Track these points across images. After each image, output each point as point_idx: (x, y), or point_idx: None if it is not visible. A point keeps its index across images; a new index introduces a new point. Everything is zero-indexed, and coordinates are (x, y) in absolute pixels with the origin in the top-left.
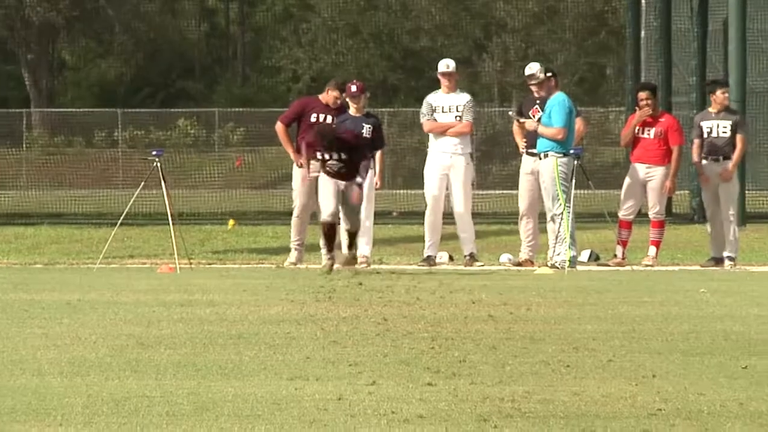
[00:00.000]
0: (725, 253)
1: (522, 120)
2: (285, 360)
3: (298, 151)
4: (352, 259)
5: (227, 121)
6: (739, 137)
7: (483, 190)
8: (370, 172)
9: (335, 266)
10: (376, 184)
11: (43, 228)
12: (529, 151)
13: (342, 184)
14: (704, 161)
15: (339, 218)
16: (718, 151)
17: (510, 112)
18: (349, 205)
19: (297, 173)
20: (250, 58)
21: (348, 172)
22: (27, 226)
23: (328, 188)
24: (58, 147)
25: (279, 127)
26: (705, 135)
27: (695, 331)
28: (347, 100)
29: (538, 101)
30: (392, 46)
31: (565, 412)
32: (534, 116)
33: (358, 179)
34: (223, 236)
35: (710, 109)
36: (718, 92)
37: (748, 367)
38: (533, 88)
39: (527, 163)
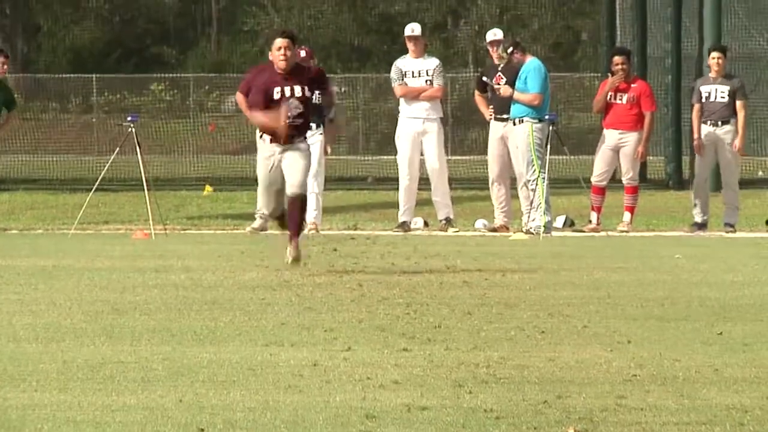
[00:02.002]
0: (726, 220)
1: (498, 86)
2: (260, 326)
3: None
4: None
5: (202, 87)
6: (739, 103)
7: (458, 155)
8: (320, 142)
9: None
10: (327, 151)
11: (18, 194)
12: (497, 116)
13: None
14: (703, 125)
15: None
16: (714, 115)
17: (496, 86)
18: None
19: (260, 145)
20: (224, 24)
21: (298, 129)
22: (2, 191)
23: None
24: (33, 112)
25: (239, 97)
26: (703, 99)
27: (670, 297)
28: None
29: (499, 68)
30: (366, 11)
31: (540, 377)
32: (498, 83)
33: (301, 144)
34: (198, 202)
35: (710, 74)
36: (710, 57)
37: (723, 333)
38: (494, 55)
39: (496, 129)
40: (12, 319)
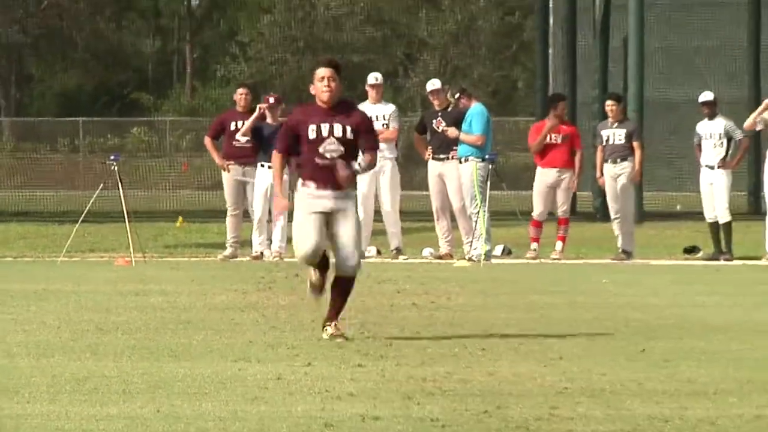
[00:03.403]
0: (623, 247)
1: (445, 128)
2: (229, 343)
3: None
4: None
5: (177, 129)
6: (635, 144)
7: (406, 190)
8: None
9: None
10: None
11: (12, 225)
12: (435, 156)
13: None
14: (605, 164)
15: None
16: (613, 155)
17: (440, 127)
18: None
19: (225, 177)
20: (198, 72)
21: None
22: None
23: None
24: (25, 152)
25: (206, 140)
26: (604, 142)
27: (598, 318)
28: (266, 111)
29: (439, 113)
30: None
31: (481, 390)
32: (438, 127)
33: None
34: (174, 232)
35: (609, 120)
36: (606, 104)
37: (646, 350)
38: (434, 102)
39: (434, 168)
40: (6, 337)
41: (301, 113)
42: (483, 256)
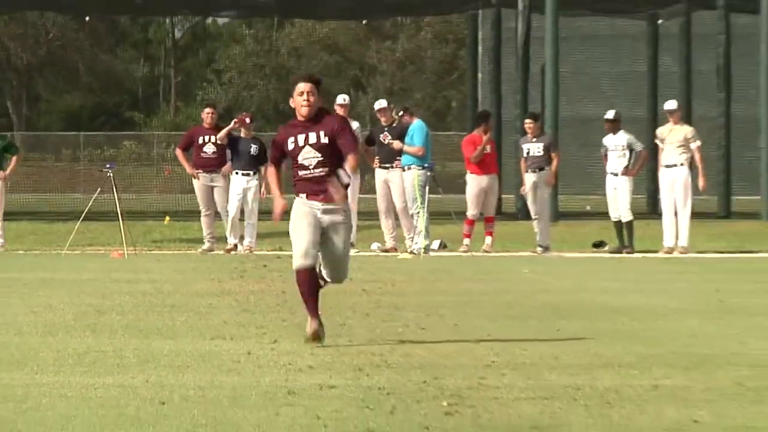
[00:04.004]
0: (541, 243)
1: (390, 141)
2: (207, 324)
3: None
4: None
5: (162, 142)
6: (553, 154)
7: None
8: (255, 186)
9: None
10: (262, 193)
11: (23, 223)
12: (381, 165)
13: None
14: (526, 173)
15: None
16: (537, 165)
17: (386, 140)
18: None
19: (196, 184)
20: (181, 94)
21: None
22: (10, 221)
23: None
24: (34, 161)
25: (177, 151)
26: (526, 154)
27: (520, 302)
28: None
29: (385, 128)
30: (288, 83)
31: (421, 363)
32: (384, 140)
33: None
34: (160, 230)
35: (528, 135)
36: (525, 122)
37: (560, 329)
38: (381, 118)
39: (381, 175)
40: (18, 318)
41: (283, 130)
42: (423, 250)
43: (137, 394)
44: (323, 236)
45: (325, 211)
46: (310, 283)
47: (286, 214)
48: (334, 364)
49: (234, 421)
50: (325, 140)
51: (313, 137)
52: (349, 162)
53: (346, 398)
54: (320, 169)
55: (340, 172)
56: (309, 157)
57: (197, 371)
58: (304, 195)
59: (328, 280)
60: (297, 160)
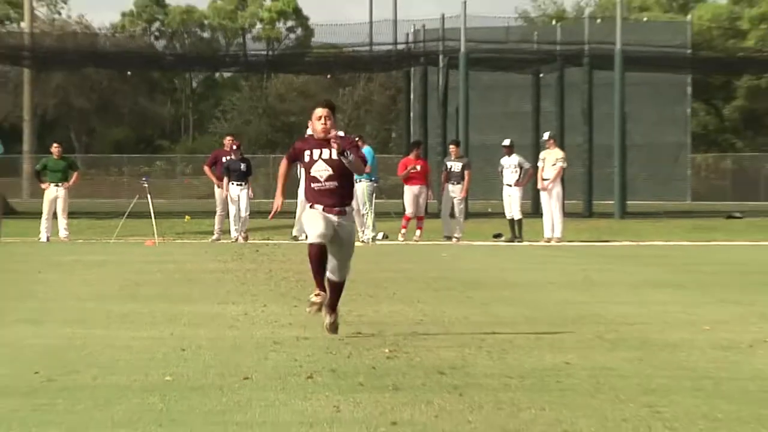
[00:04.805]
0: (455, 234)
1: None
2: (215, 292)
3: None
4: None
5: (183, 162)
6: (467, 172)
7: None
8: (247, 192)
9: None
10: (250, 194)
11: (83, 220)
12: None
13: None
14: (447, 184)
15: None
16: (454, 178)
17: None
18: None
19: (217, 191)
20: (197, 126)
21: (335, 195)
22: (74, 219)
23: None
24: (91, 176)
25: (205, 168)
26: (449, 170)
27: (441, 277)
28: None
29: None
30: (275, 119)
31: (370, 321)
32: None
33: (349, 226)
34: (182, 225)
35: (452, 156)
36: (450, 146)
37: (471, 297)
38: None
39: None
40: (78, 289)
41: (301, 142)
42: (371, 240)
43: (164, 343)
44: (334, 235)
45: (338, 224)
46: (319, 259)
47: (278, 213)
48: (307, 323)
49: (235, 363)
50: (336, 157)
51: (326, 153)
52: (354, 154)
53: (316, 346)
54: (330, 183)
55: (349, 154)
56: (320, 170)
57: (208, 327)
58: (320, 206)
59: (332, 276)
60: (310, 172)
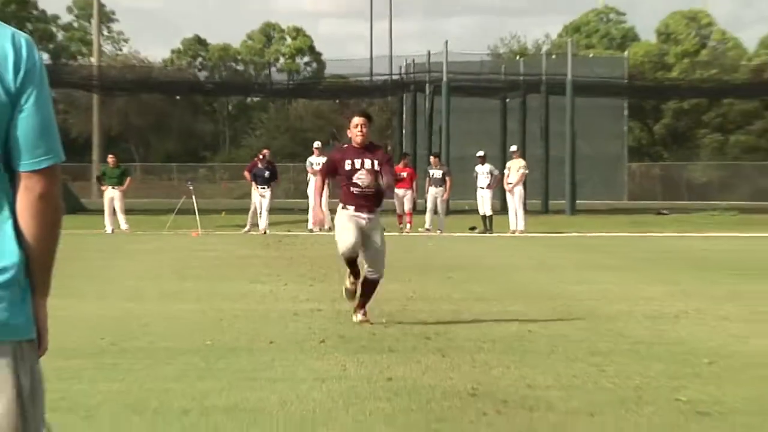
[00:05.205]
0: (438, 228)
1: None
2: (246, 274)
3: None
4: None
5: (221, 170)
6: (448, 178)
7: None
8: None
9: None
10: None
11: (140, 216)
12: None
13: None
14: (430, 188)
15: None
16: (436, 184)
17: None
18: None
19: (252, 190)
20: (232, 141)
21: (371, 199)
22: (133, 215)
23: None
24: (148, 181)
25: (246, 173)
26: (431, 176)
27: (427, 262)
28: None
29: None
30: (295, 135)
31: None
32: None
33: (378, 227)
34: (219, 220)
35: (434, 165)
36: (431, 157)
37: (452, 277)
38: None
39: None
40: (138, 271)
41: (338, 152)
42: None
43: (206, 315)
44: (365, 238)
45: (367, 221)
46: (352, 263)
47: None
48: (321, 297)
49: (262, 330)
50: (376, 167)
51: (368, 163)
52: (386, 180)
53: (327, 317)
54: (369, 189)
55: (382, 185)
56: (362, 177)
57: (241, 302)
58: (352, 207)
59: (368, 274)
60: (351, 179)
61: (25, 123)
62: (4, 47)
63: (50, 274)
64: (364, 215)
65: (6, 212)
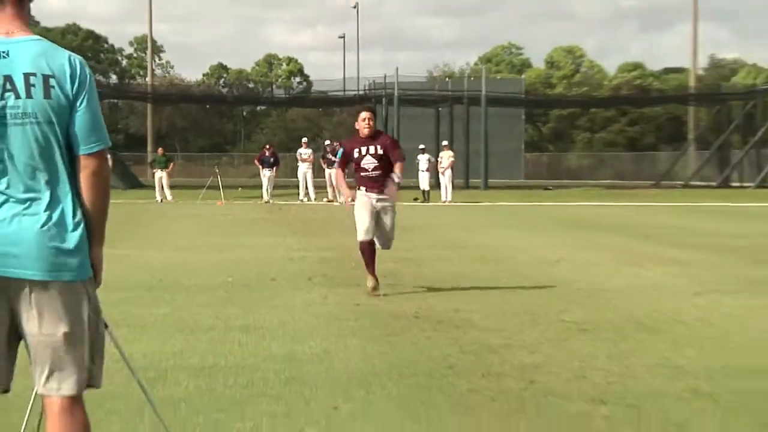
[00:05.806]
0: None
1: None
2: (258, 230)
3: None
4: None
5: (239, 158)
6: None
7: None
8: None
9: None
10: (276, 174)
11: (181, 189)
12: (329, 167)
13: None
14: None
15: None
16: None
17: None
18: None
19: (262, 172)
20: (246, 137)
21: (377, 180)
22: (176, 189)
23: (363, 226)
24: (187, 166)
25: (256, 161)
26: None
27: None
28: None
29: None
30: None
31: (318, 247)
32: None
33: (390, 202)
34: (237, 194)
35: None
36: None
37: (401, 235)
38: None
39: (329, 172)
40: (176, 229)
41: (349, 142)
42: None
43: (227, 260)
44: (377, 216)
45: (378, 200)
46: (369, 251)
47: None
48: (309, 248)
49: (267, 271)
50: (380, 152)
51: (372, 149)
52: (398, 168)
53: (314, 261)
54: (376, 172)
55: (393, 175)
56: (368, 162)
57: (252, 251)
58: (364, 188)
59: (380, 247)
60: (360, 164)
61: (80, 119)
62: (63, 65)
63: (104, 228)
64: (374, 195)
65: (66, 186)
